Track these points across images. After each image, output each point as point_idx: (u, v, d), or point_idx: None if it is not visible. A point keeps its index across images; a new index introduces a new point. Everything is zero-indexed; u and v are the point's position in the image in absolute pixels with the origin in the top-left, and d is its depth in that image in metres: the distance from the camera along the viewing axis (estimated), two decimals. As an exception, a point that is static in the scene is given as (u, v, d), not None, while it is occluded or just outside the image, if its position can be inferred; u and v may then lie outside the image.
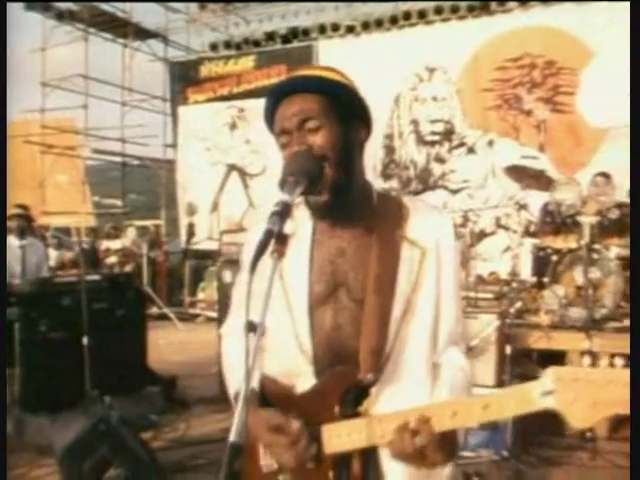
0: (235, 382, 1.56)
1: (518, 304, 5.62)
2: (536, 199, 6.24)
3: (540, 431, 4.82)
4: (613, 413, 1.20)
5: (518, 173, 6.01)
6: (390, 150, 11.12)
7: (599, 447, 4.59)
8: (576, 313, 5.09)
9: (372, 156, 10.65)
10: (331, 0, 12.02)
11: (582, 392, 1.21)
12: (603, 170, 6.07)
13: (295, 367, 1.52)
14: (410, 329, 1.50)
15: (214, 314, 10.88)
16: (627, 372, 1.19)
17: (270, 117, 1.54)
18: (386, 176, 11.12)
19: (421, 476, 1.44)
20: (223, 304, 6.08)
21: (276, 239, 1.18)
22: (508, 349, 4.43)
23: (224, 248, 5.94)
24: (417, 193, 10.35)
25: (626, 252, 5.57)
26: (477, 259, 7.23)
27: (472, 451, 4.32)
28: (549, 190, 5.82)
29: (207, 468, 4.23)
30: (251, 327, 1.11)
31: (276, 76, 12.12)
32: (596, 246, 5.17)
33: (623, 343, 4.84)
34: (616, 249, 5.49)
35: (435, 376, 1.54)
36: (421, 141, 10.89)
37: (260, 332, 1.12)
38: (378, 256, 1.50)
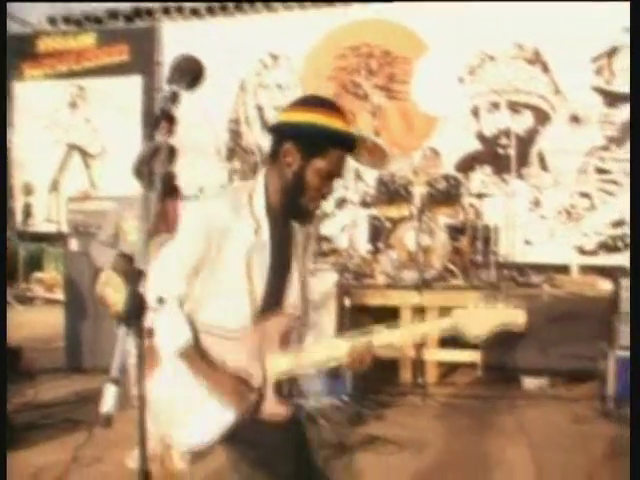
0: None
1: (356, 260, 6.06)
2: (371, 171, 6.70)
3: (377, 381, 5.27)
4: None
5: (357, 146, 6.37)
6: (236, 135, 11.31)
7: (429, 391, 5.11)
8: (408, 274, 5.58)
9: (216, 139, 10.81)
10: None
11: None
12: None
13: (240, 316, 2.05)
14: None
15: (53, 296, 10.67)
16: (496, 308, 2.02)
17: None
18: (230, 160, 11.30)
19: None
20: (69, 275, 6.02)
21: (166, 118, 1.43)
22: (347, 302, 4.82)
23: (71, 216, 5.88)
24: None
25: (453, 220, 6.17)
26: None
27: (315, 398, 4.67)
28: (383, 164, 6.28)
29: (60, 425, 4.33)
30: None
31: (118, 55, 11.95)
32: (426, 214, 5.68)
33: (450, 297, 5.42)
34: (443, 217, 6.06)
35: None
36: (266, 127, 11.15)
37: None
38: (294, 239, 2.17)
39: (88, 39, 12.09)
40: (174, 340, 1.95)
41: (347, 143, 2.06)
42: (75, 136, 12.14)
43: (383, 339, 2.03)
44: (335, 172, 2.05)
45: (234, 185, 2.21)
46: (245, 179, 7.54)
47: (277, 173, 2.05)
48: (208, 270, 2.02)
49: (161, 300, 1.71)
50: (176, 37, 11.47)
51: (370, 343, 2.01)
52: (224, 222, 1.98)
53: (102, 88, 11.83)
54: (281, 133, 2.05)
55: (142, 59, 11.81)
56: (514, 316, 1.97)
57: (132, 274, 1.33)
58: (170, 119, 1.44)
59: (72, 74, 12.11)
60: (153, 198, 1.36)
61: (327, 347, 2.08)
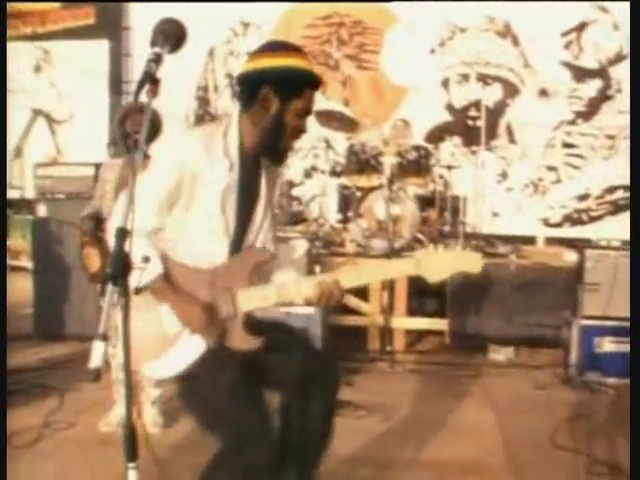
0: None
1: (326, 228, 6.10)
2: (342, 141, 6.70)
3: (346, 348, 5.34)
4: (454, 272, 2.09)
5: (326, 116, 6.37)
6: (204, 102, 11.19)
7: (397, 358, 5.20)
8: (377, 243, 5.64)
9: (185, 106, 10.70)
10: None
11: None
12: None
13: (218, 254, 2.13)
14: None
15: (19, 263, 10.54)
16: (455, 251, 2.38)
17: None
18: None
19: None
20: (37, 241, 5.96)
21: (150, 80, 1.44)
22: (317, 270, 4.86)
23: (38, 182, 5.81)
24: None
25: (422, 190, 6.23)
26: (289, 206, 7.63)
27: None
28: (354, 132, 6.29)
29: (31, 391, 4.32)
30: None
31: (84, 18, 11.69)
32: (396, 184, 5.72)
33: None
34: (413, 187, 6.10)
35: None
36: (236, 95, 11.00)
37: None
38: (266, 181, 2.26)
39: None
40: (145, 274, 1.93)
41: (317, 81, 2.16)
42: (40, 101, 11.89)
43: (349, 277, 2.12)
44: (309, 110, 2.16)
45: (204, 126, 2.28)
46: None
47: (253, 118, 2.11)
48: (182, 208, 2.05)
49: (147, 259, 1.72)
50: (144, 2, 11.26)
51: (337, 280, 2.09)
52: (196, 158, 2.02)
53: (68, 52, 11.58)
54: (258, 80, 2.08)
55: (109, 23, 11.54)
56: (471, 259, 2.09)
57: (117, 233, 1.34)
58: (154, 81, 1.46)
59: (36, 37, 11.82)
60: (137, 160, 1.38)
61: (295, 283, 2.16)
